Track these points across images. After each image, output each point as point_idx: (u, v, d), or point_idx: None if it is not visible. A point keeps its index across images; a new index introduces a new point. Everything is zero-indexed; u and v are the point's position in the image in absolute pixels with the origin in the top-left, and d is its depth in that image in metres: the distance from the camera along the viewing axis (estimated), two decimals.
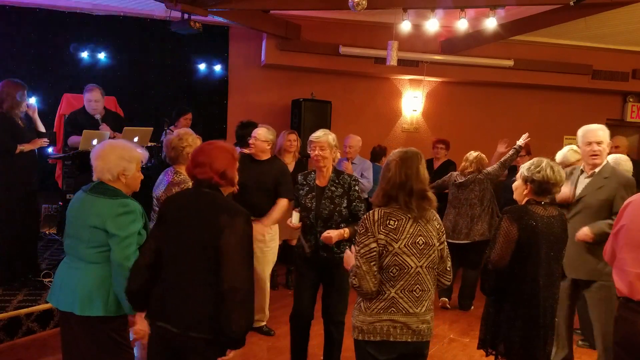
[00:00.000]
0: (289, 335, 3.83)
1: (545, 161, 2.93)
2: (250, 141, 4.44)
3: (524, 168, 2.97)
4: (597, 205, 3.60)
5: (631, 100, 8.94)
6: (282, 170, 4.49)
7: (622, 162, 4.20)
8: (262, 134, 4.40)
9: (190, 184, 3.59)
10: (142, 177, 2.91)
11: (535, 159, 2.96)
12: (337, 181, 3.58)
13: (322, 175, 3.62)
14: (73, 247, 2.76)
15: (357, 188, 3.59)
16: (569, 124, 8.77)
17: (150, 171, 5.57)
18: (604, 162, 3.69)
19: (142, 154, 2.88)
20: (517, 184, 3.01)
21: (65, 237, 2.83)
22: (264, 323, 4.68)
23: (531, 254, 2.83)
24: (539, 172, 2.88)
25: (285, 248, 5.31)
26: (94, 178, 2.79)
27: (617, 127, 8.88)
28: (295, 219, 3.63)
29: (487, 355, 3.06)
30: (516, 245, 2.82)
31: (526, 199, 2.95)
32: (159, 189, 3.77)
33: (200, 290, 2.37)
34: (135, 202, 2.75)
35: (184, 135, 3.81)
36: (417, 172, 2.49)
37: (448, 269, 2.63)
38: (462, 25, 5.97)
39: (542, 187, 2.89)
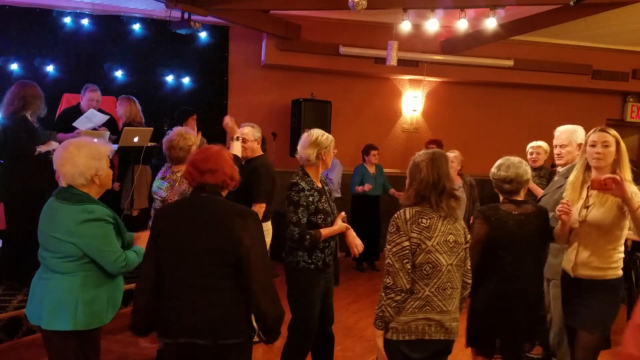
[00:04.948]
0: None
1: (501, 159, 3.06)
2: (242, 144, 4.21)
3: None
4: None
5: (631, 100, 8.93)
6: (254, 167, 4.17)
7: None
8: (249, 133, 4.28)
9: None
10: (111, 172, 2.72)
11: None
12: (324, 180, 3.61)
13: (316, 177, 3.45)
14: (42, 257, 2.58)
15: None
16: (569, 124, 8.77)
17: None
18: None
19: (109, 148, 2.69)
20: None
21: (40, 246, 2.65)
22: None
23: (500, 250, 2.92)
24: (492, 170, 3.07)
25: None
26: (63, 184, 2.54)
27: (617, 127, 8.82)
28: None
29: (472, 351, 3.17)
30: (488, 243, 2.92)
31: (501, 197, 3.07)
32: (162, 190, 3.75)
33: (227, 296, 2.33)
34: (101, 207, 2.54)
35: (186, 134, 3.75)
36: (447, 172, 2.55)
37: (469, 267, 2.69)
38: (462, 25, 5.97)
39: (495, 184, 3.05)
